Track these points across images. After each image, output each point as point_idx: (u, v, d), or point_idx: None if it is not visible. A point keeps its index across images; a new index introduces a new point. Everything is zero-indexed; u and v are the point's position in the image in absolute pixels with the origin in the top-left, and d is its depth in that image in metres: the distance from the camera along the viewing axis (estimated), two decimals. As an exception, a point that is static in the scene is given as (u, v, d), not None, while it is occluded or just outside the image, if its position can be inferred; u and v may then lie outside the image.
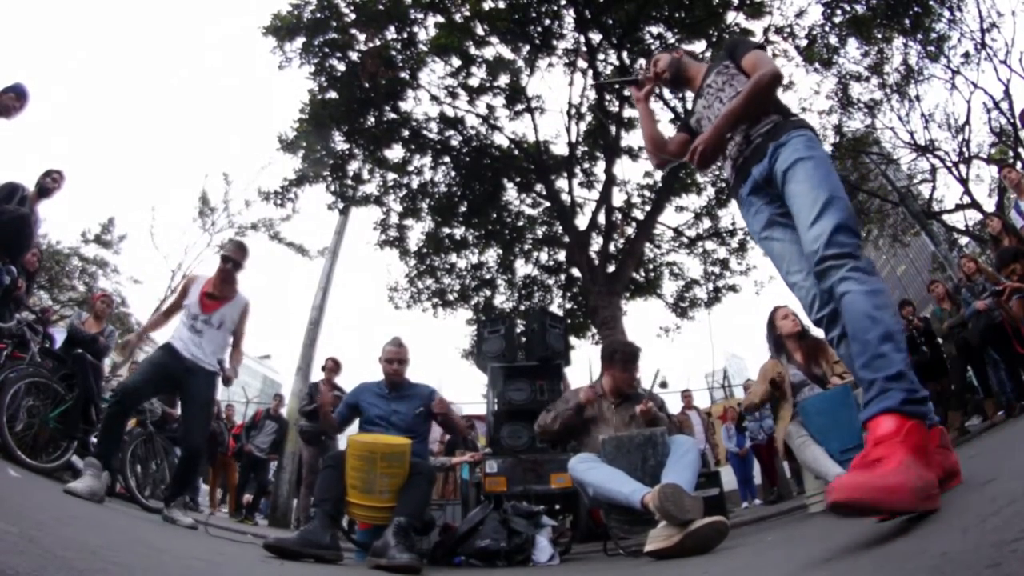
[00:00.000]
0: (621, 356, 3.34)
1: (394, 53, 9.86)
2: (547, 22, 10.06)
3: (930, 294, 6.30)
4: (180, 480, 3.68)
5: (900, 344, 1.43)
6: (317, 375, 8.62)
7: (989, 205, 12.91)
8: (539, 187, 11.67)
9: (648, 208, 11.78)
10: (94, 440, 4.19)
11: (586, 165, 12.19)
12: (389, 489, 2.88)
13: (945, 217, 14.45)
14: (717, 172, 11.81)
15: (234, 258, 3.86)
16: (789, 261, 1.87)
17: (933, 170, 14.06)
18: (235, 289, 3.90)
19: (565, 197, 11.44)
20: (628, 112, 11.44)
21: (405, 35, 9.91)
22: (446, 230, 12.38)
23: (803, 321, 3.62)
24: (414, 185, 11.74)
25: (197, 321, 3.73)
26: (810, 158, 1.78)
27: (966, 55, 12.21)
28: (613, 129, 11.08)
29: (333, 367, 6.89)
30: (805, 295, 1.81)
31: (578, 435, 3.28)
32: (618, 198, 12.05)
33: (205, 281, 3.90)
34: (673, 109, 11.04)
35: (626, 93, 2.51)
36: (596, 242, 11.32)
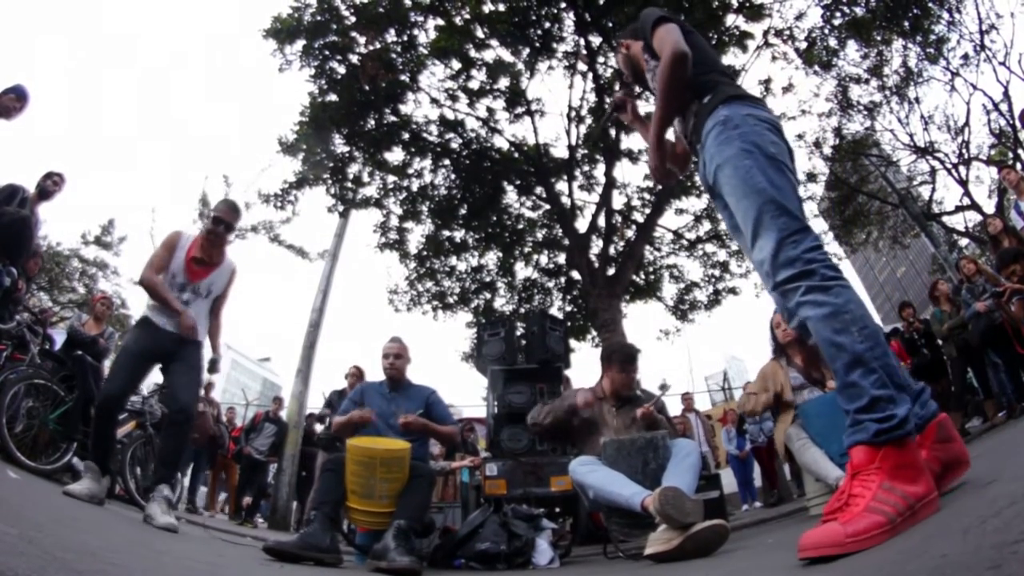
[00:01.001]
0: (619, 357, 3.35)
1: (394, 56, 9.88)
2: (547, 25, 10.08)
3: (935, 293, 6.29)
4: (166, 458, 3.21)
5: (870, 365, 1.35)
6: (317, 377, 8.62)
7: (989, 206, 12.92)
8: (539, 190, 11.69)
9: (648, 211, 11.80)
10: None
11: (586, 168, 12.21)
12: (388, 494, 2.87)
13: (945, 219, 14.46)
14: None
15: (226, 219, 3.48)
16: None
17: (933, 172, 14.08)
18: (224, 253, 3.55)
19: (565, 200, 11.45)
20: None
21: (405, 38, 9.92)
22: (446, 233, 12.39)
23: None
24: (414, 188, 11.75)
25: (184, 292, 3.36)
26: (726, 162, 1.59)
27: (965, 57, 12.24)
28: (613, 132, 11.09)
29: (356, 373, 6.62)
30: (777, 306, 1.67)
31: (578, 438, 3.27)
32: (618, 201, 12.08)
33: (190, 242, 3.46)
34: None
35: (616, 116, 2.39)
36: (596, 245, 11.34)
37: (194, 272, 3.40)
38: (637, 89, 2.24)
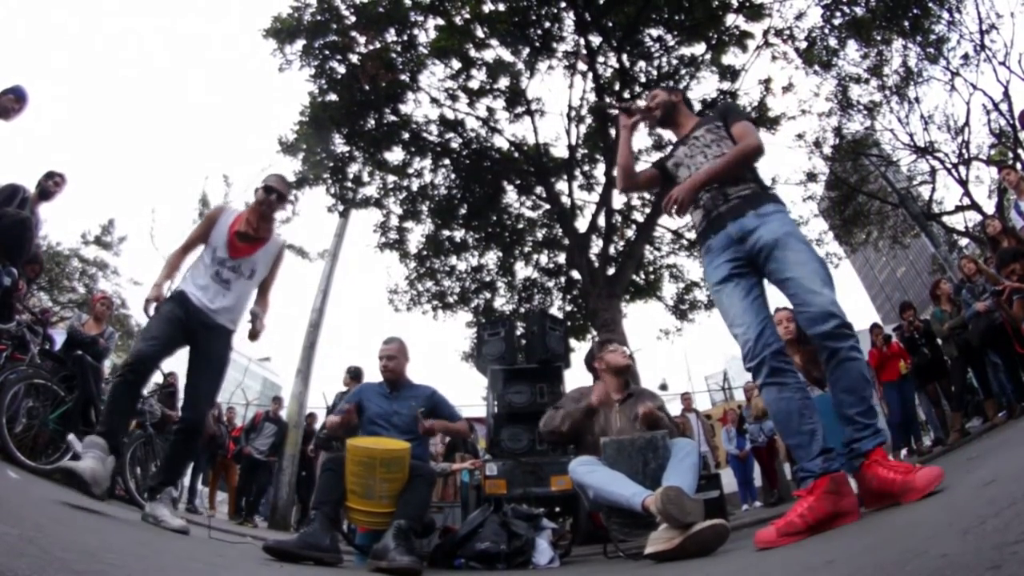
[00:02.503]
0: (601, 339, 3.55)
1: (394, 56, 9.88)
2: (547, 25, 10.08)
3: (936, 292, 6.29)
4: (173, 464, 3.02)
5: (872, 410, 2.00)
6: (317, 377, 8.61)
7: (989, 206, 12.91)
8: (539, 189, 11.69)
9: (648, 210, 11.78)
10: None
11: (586, 167, 12.22)
12: (388, 494, 2.87)
13: (945, 219, 14.45)
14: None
15: (278, 188, 3.14)
16: (734, 315, 2.15)
17: (933, 172, 14.07)
18: (272, 228, 3.21)
19: (565, 199, 11.45)
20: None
21: (405, 37, 9.92)
22: (446, 232, 12.39)
23: (797, 326, 3.62)
24: (414, 187, 11.75)
25: (224, 268, 3.02)
26: (798, 235, 2.15)
27: (965, 57, 12.23)
28: (613, 132, 11.08)
29: (356, 375, 6.57)
30: (743, 344, 2.12)
31: (579, 437, 3.26)
32: (618, 200, 12.05)
33: (235, 216, 3.12)
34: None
35: (614, 112, 2.67)
36: (596, 244, 11.34)
37: (237, 248, 3.05)
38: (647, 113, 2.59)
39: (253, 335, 3.19)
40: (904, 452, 6.55)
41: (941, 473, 1.76)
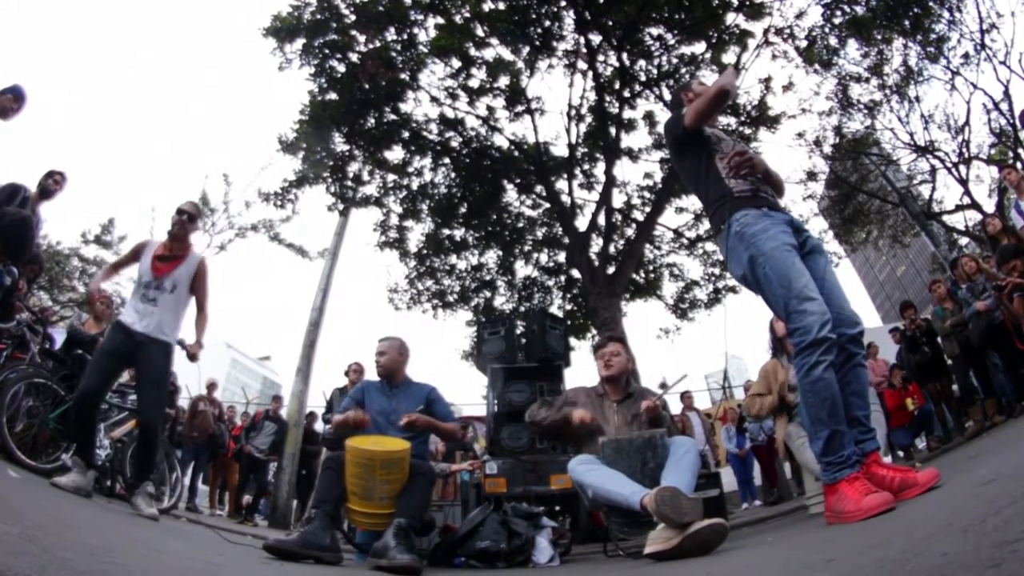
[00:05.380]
0: (593, 348, 3.53)
1: (394, 54, 9.88)
2: (547, 23, 10.07)
3: (931, 294, 6.30)
4: (140, 464, 3.49)
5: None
6: (317, 376, 8.61)
7: (989, 206, 12.89)
8: (539, 188, 11.68)
9: (648, 209, 11.79)
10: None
11: (586, 166, 12.21)
12: (388, 495, 2.86)
13: (945, 218, 14.44)
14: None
15: (188, 210, 3.59)
16: (807, 281, 2.13)
17: (933, 171, 14.04)
18: (188, 246, 3.62)
19: (565, 198, 11.45)
20: (628, 114, 11.46)
21: (405, 36, 9.92)
22: (446, 231, 12.39)
23: None
24: (414, 186, 11.75)
25: (149, 289, 3.45)
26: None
27: (966, 56, 12.20)
28: (613, 131, 11.09)
29: (358, 370, 6.45)
30: (820, 314, 2.06)
31: (577, 437, 3.26)
32: (618, 199, 12.07)
33: (156, 245, 3.60)
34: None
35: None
36: (596, 243, 11.34)
37: (158, 268, 3.48)
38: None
39: (191, 358, 3.58)
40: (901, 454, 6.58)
41: (938, 474, 1.86)
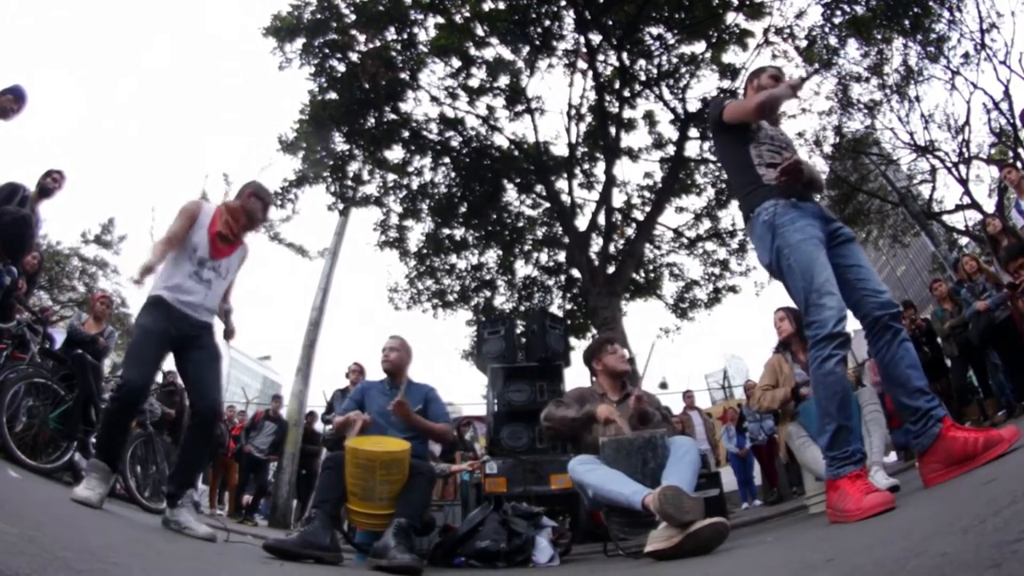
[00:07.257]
0: (601, 338, 3.50)
1: (394, 54, 9.87)
2: (547, 23, 10.07)
3: (931, 293, 6.30)
4: (191, 461, 2.99)
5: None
6: (317, 376, 8.61)
7: (989, 205, 12.90)
8: (539, 188, 11.68)
9: (648, 209, 11.78)
10: (94, 440, 4.14)
11: (586, 166, 12.21)
12: (388, 496, 2.86)
13: (945, 218, 14.45)
14: (717, 173, 11.81)
15: (267, 200, 3.26)
16: (828, 276, 2.18)
17: (933, 171, 14.06)
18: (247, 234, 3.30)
19: (565, 198, 11.44)
20: (628, 113, 11.46)
21: (405, 36, 9.91)
22: (446, 231, 12.38)
23: (798, 325, 3.61)
24: (414, 186, 11.74)
25: (204, 268, 3.00)
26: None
27: (966, 56, 12.20)
28: (613, 130, 11.09)
29: (358, 370, 6.41)
30: (840, 308, 2.14)
31: (594, 436, 3.24)
32: (618, 199, 12.07)
33: (213, 215, 3.09)
34: (673, 109, 11.04)
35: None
36: (596, 243, 11.33)
37: (219, 249, 3.05)
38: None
39: (228, 334, 3.27)
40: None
41: (1020, 432, 1.89)
